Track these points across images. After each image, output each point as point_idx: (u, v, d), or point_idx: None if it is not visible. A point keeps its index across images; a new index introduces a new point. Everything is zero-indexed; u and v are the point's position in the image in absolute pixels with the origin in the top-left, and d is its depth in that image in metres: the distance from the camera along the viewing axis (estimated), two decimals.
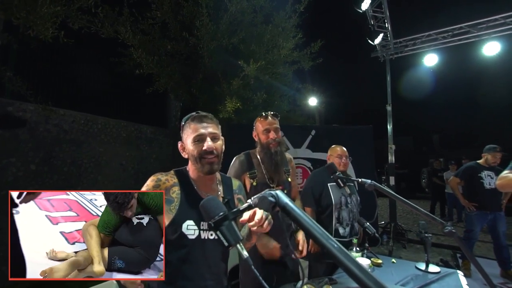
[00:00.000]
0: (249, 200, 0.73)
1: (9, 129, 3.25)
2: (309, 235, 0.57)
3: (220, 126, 1.11)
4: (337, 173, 1.62)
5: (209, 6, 3.84)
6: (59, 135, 3.95)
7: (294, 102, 6.28)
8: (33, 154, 3.62)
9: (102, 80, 4.88)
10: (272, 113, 1.65)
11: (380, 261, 1.92)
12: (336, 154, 2.11)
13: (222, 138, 1.10)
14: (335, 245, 0.54)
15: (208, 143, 1.02)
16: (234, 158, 1.66)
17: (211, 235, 1.04)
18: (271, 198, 0.63)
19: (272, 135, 1.59)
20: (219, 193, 1.13)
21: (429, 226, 1.90)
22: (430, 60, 5.59)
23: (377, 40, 5.53)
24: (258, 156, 1.65)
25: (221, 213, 0.71)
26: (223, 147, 1.10)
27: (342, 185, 1.63)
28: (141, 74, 3.97)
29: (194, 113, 1.08)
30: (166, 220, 0.96)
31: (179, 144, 1.10)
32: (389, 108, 5.45)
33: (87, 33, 3.28)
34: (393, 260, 2.00)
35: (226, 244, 0.70)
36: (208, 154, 1.02)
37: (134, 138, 5.07)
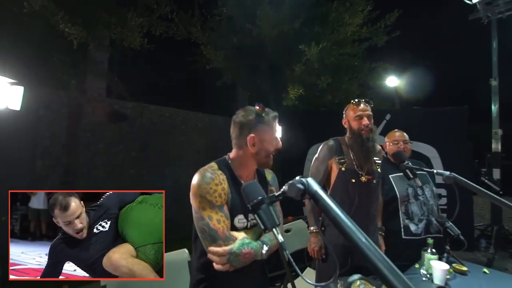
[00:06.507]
0: (284, 186, 0.73)
1: (115, 123, 4.11)
2: (336, 225, 0.54)
3: None
4: (406, 162, 1.41)
5: None
6: (150, 127, 4.74)
7: (367, 84, 5.66)
8: (132, 143, 4.48)
9: (181, 78, 5.57)
10: (365, 99, 1.63)
11: (465, 268, 1.61)
12: (392, 140, 1.91)
13: None
14: (363, 239, 0.50)
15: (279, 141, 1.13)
16: (323, 143, 1.67)
17: (255, 224, 1.08)
18: (299, 185, 0.62)
19: (364, 121, 1.55)
20: None
21: None
22: None
23: None
24: (348, 143, 1.64)
25: (260, 197, 0.74)
26: None
27: (411, 176, 1.42)
28: (212, 69, 4.32)
29: (270, 111, 1.15)
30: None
31: (252, 137, 1.09)
32: (494, 82, 4.29)
33: (166, 37, 3.78)
34: (485, 270, 1.64)
35: (262, 227, 0.73)
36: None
37: (208, 127, 5.63)
